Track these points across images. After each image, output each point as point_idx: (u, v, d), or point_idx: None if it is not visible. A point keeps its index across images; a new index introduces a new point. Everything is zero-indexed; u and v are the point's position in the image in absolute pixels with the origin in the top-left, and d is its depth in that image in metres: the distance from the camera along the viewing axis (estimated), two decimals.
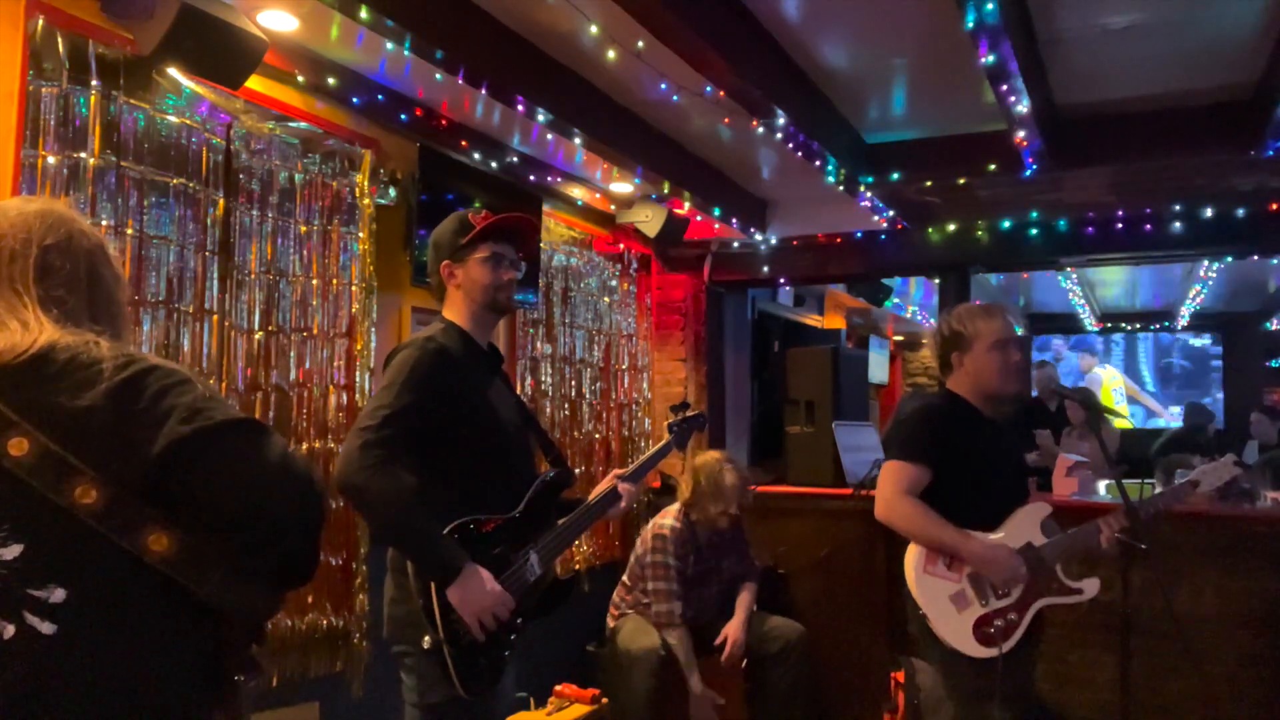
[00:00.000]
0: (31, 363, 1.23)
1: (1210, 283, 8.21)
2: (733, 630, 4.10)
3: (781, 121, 3.80)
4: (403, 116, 3.73)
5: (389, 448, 2.17)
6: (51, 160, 2.60)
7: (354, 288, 3.56)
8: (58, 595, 1.18)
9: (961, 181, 4.73)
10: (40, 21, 2.58)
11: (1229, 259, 6.28)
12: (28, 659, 1.17)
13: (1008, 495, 2.86)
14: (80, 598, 1.19)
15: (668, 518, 4.19)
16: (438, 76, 3.39)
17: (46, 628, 1.18)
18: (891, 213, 5.25)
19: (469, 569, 2.19)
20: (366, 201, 3.63)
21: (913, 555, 2.77)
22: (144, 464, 1.20)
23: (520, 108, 3.58)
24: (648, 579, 4.11)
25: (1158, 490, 3.23)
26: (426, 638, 2.18)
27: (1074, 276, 8.32)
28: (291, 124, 3.37)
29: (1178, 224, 5.04)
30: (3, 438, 1.19)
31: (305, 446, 3.36)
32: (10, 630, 1.17)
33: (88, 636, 1.20)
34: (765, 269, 5.80)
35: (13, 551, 1.18)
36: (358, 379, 3.55)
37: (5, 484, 1.19)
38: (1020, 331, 11.12)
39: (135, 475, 1.20)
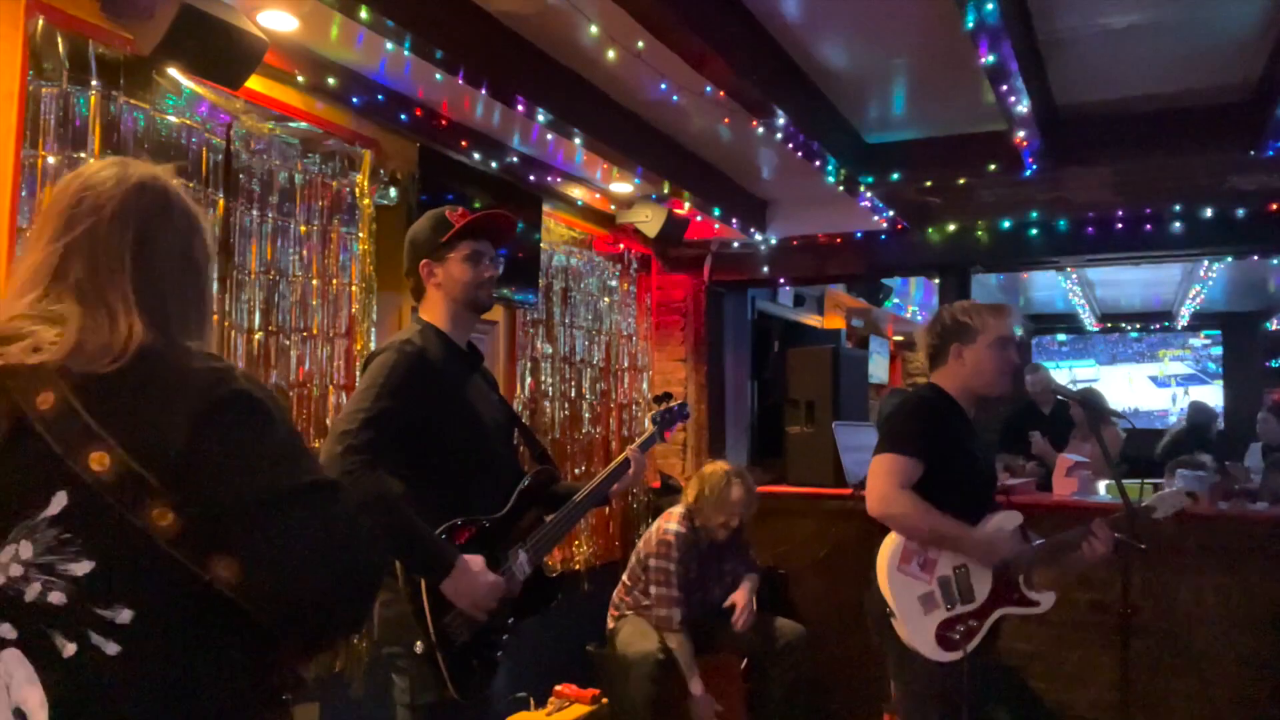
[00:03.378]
0: (121, 372, 1.16)
1: (1210, 283, 8.21)
2: (740, 596, 4.11)
3: (781, 121, 3.80)
4: (403, 116, 3.73)
5: (370, 451, 2.16)
6: (51, 160, 2.60)
7: (354, 288, 3.56)
8: (124, 616, 1.14)
9: (961, 181, 4.73)
10: (40, 21, 2.58)
11: (1229, 259, 6.28)
12: (88, 679, 1.12)
13: (981, 499, 2.84)
14: (146, 619, 1.14)
15: (672, 522, 4.17)
16: (438, 76, 3.39)
17: (111, 648, 1.13)
18: (891, 213, 5.25)
19: (460, 563, 2.19)
20: (366, 202, 3.63)
21: (888, 550, 2.73)
22: (214, 507, 1.15)
23: (520, 108, 3.58)
24: (650, 582, 4.11)
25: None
26: (419, 642, 2.18)
27: (1074, 276, 8.32)
28: (291, 124, 3.37)
29: (1178, 224, 5.04)
30: (84, 450, 1.13)
31: None
32: (71, 649, 1.12)
33: (150, 657, 1.15)
34: (765, 269, 5.79)
35: (83, 568, 1.13)
36: (358, 379, 3.54)
37: (82, 499, 1.13)
38: (1019, 333, 11.18)
39: (206, 512, 1.15)
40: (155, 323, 1.22)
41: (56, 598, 1.13)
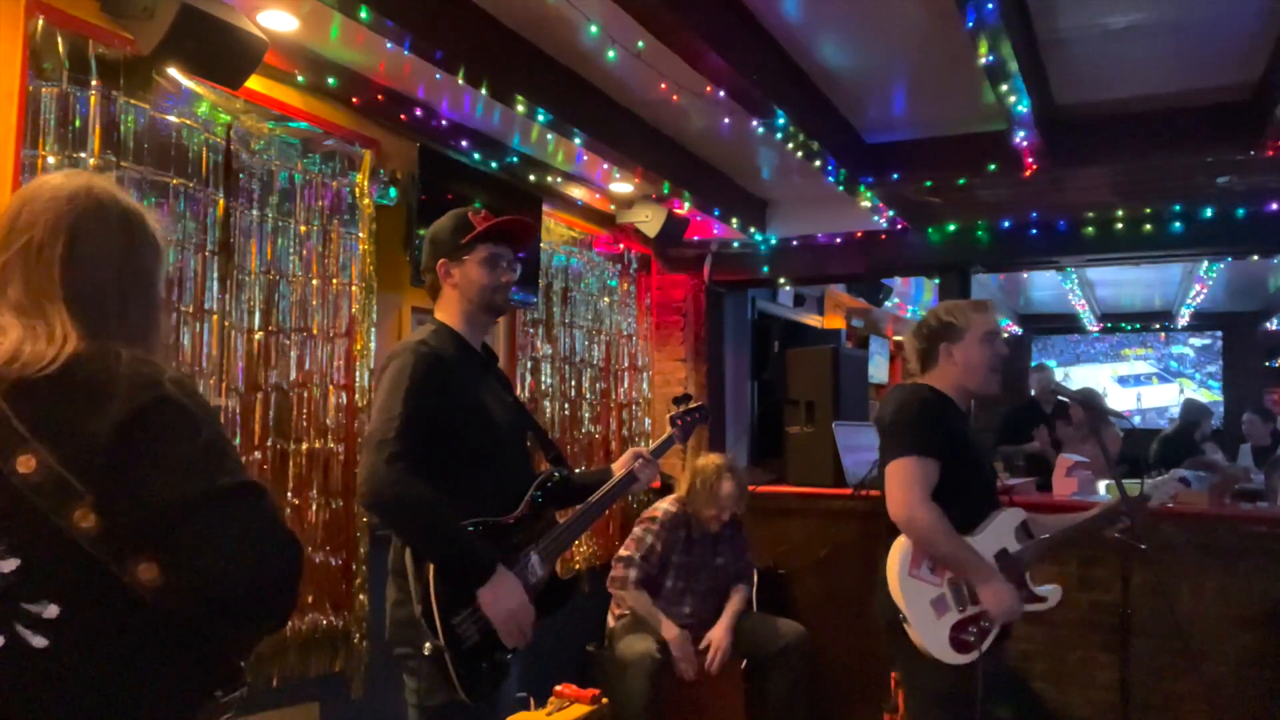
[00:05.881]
0: (50, 378, 1.21)
1: (1210, 283, 8.21)
2: (716, 636, 4.08)
3: (781, 121, 3.80)
4: (403, 116, 3.73)
5: (410, 457, 2.17)
6: (51, 160, 2.60)
7: (354, 288, 3.56)
8: (50, 611, 1.19)
9: (961, 181, 4.73)
10: (40, 21, 2.58)
11: (1229, 259, 6.28)
12: (16, 671, 1.19)
13: (983, 498, 2.82)
14: (72, 615, 1.20)
15: (666, 502, 4.26)
16: (438, 76, 3.39)
17: (38, 641, 1.19)
18: (891, 213, 5.25)
19: (500, 571, 2.21)
20: (366, 201, 3.62)
21: (898, 555, 2.67)
22: (136, 509, 1.20)
23: (520, 108, 3.58)
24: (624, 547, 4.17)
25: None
26: (427, 644, 2.18)
27: (1074, 276, 8.32)
28: (291, 124, 3.37)
29: (1178, 224, 5.04)
30: (13, 454, 1.18)
31: (305, 446, 3.36)
32: (0, 641, 1.19)
33: (78, 652, 1.21)
34: (765, 269, 5.80)
35: (9, 565, 1.19)
36: (358, 379, 3.54)
37: (9, 500, 1.19)
38: (1019, 330, 11.20)
39: (128, 515, 1.20)
40: (91, 330, 1.26)
41: None
